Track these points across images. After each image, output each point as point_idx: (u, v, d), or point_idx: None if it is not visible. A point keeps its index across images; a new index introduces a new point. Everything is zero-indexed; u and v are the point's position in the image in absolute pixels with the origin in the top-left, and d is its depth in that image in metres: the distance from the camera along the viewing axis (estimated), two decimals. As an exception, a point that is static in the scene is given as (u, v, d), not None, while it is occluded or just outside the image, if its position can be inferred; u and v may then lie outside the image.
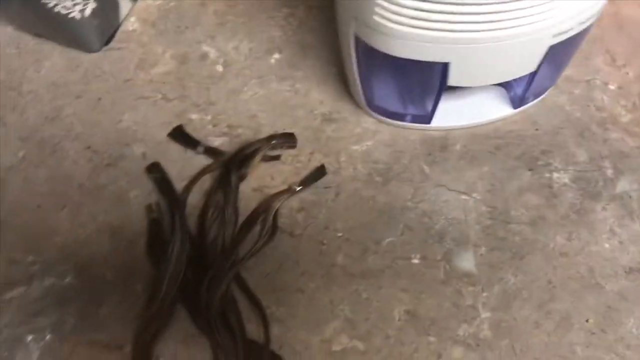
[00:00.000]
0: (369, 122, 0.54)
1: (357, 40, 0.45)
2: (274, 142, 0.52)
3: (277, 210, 0.49)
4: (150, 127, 0.55)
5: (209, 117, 0.55)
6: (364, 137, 0.53)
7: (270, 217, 0.49)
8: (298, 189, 0.50)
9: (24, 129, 0.56)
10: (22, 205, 0.51)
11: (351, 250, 0.48)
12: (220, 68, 0.58)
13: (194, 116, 0.55)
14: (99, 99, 0.57)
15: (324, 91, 0.56)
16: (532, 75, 0.48)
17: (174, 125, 0.54)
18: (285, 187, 0.51)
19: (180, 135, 0.54)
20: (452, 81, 0.45)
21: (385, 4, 0.38)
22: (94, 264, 0.48)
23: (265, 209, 0.49)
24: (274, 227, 0.49)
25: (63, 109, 0.56)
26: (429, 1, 0.37)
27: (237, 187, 0.50)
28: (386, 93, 0.51)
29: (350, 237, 0.48)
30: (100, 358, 0.45)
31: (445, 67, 0.44)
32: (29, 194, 0.52)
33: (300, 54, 0.58)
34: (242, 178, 0.51)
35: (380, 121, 0.53)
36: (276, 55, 0.58)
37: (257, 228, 0.49)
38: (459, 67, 0.43)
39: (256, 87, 0.56)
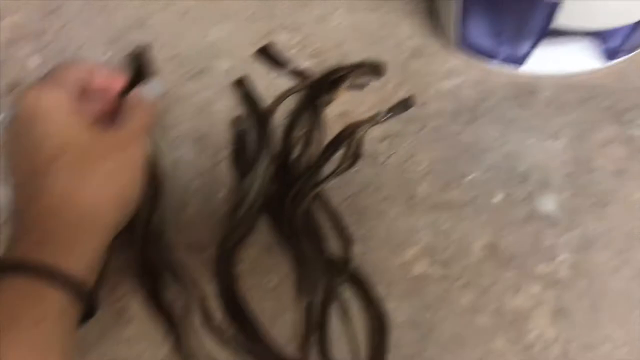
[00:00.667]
0: (457, 60, 0.53)
1: (469, -32, 0.45)
2: (362, 68, 0.51)
3: (361, 136, 0.50)
4: (237, 43, 0.55)
5: (295, 40, 0.55)
6: (451, 75, 0.53)
7: (355, 142, 0.49)
8: (384, 117, 0.50)
9: (110, 32, 0.56)
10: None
11: (433, 182, 0.48)
12: (310, -8, 0.57)
13: (281, 37, 0.55)
14: (186, 11, 0.57)
15: (414, 25, 0.55)
16: (634, 26, 0.47)
17: (261, 44, 0.54)
18: (370, 115, 0.51)
19: (268, 53, 0.53)
20: (561, 19, 0.45)
21: None
22: (177, 168, 0.49)
23: (349, 134, 0.50)
24: (358, 152, 0.49)
25: (151, 16, 0.56)
26: None
27: (323, 110, 0.50)
28: (482, 30, 0.51)
29: (433, 169, 0.49)
30: (182, 258, 0.45)
31: (555, 4, 0.43)
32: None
33: (391, -14, 0.58)
34: (328, 102, 0.51)
35: (469, 60, 0.53)
36: (367, -15, 0.58)
37: (340, 152, 0.49)
38: (570, 7, 0.43)
39: (345, 14, 0.56)
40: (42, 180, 0.34)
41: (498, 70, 0.53)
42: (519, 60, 0.51)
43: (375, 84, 0.52)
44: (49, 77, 0.38)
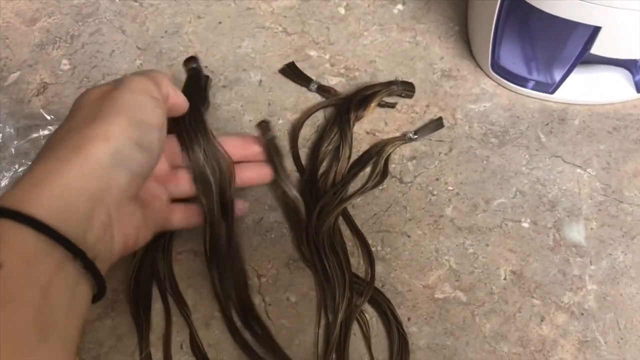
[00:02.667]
0: (488, 84, 0.53)
1: (506, -7, 0.45)
2: (393, 87, 0.51)
3: (389, 154, 0.49)
4: (268, 56, 0.55)
5: (327, 56, 0.55)
6: (482, 98, 0.52)
7: (382, 161, 0.49)
8: (413, 137, 0.50)
9: (143, 39, 0.56)
10: (136, 112, 0.52)
11: (461, 205, 0.48)
12: (342, 10, 0.58)
13: (312, 53, 0.55)
14: (220, 22, 0.57)
15: (445, 47, 0.55)
16: (668, 59, 0.47)
17: (292, 58, 0.54)
18: (399, 134, 0.50)
19: (292, 71, 0.54)
20: (596, 49, 0.44)
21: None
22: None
23: (377, 152, 0.49)
24: (385, 171, 0.49)
25: (183, 26, 0.57)
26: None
27: (352, 127, 0.50)
28: (514, 55, 0.51)
29: (461, 192, 0.48)
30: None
31: (594, 32, 0.43)
32: (144, 102, 0.52)
33: (424, 8, 0.58)
34: (358, 119, 0.51)
35: (500, 84, 0.53)
36: (400, 6, 0.58)
37: (368, 169, 0.49)
38: (609, 34, 0.43)
39: (377, 33, 0.56)
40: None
41: (529, 95, 0.52)
42: (551, 87, 0.51)
43: (405, 102, 0.52)
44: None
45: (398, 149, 0.50)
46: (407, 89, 0.52)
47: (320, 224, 0.45)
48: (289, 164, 0.48)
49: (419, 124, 0.51)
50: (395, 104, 0.52)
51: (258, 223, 0.47)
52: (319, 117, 0.52)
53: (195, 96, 0.46)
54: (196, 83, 0.49)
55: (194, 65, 0.50)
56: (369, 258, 0.45)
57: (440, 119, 0.51)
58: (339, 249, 0.45)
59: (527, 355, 0.42)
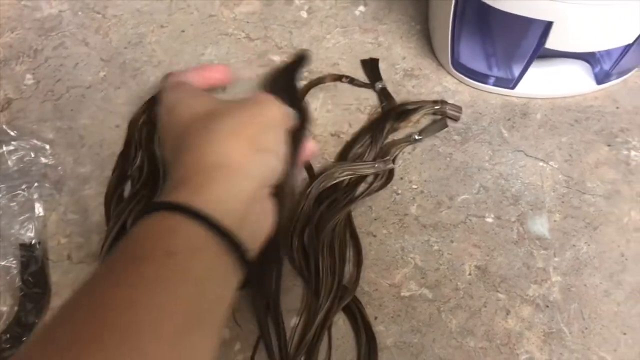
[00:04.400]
0: (449, 81, 0.54)
1: (461, -8, 0.45)
2: (439, 106, 0.51)
3: (395, 156, 0.50)
4: (232, 62, 0.55)
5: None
6: (444, 96, 0.53)
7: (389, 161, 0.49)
8: (418, 138, 0.50)
9: (106, 51, 0.56)
10: (100, 123, 0.52)
11: (425, 203, 0.48)
12: (304, 14, 0.58)
13: (275, 58, 0.55)
14: (183, 30, 0.57)
15: (407, 47, 0.56)
16: (624, 50, 0.48)
17: (256, 64, 0.55)
18: (366, 136, 0.51)
19: (371, 66, 0.54)
20: (550, 43, 0.45)
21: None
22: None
23: (383, 154, 0.49)
24: (391, 172, 0.49)
25: (146, 36, 0.57)
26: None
27: (385, 137, 0.50)
28: (474, 52, 0.51)
29: (425, 190, 0.49)
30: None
31: (547, 27, 0.44)
32: (108, 113, 0.52)
33: (386, 9, 0.58)
34: (393, 130, 0.51)
35: (461, 82, 0.54)
36: (361, 8, 0.58)
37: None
38: (561, 29, 0.43)
39: (339, 36, 0.57)
40: (182, 141, 0.37)
41: (490, 91, 0.53)
42: (511, 82, 0.51)
43: (368, 104, 0.53)
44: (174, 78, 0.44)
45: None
46: (454, 109, 0.51)
47: (325, 221, 0.45)
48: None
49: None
50: (445, 124, 0.51)
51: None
52: (363, 118, 0.52)
53: None
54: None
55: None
56: (358, 262, 0.45)
57: (444, 119, 0.51)
58: (337, 251, 0.45)
59: (494, 349, 0.42)
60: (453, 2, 0.46)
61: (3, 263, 0.44)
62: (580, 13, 0.42)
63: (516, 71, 0.50)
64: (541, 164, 0.49)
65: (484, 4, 0.44)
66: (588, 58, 0.52)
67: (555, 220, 0.47)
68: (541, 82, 0.52)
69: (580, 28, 0.43)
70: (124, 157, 0.50)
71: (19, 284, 0.44)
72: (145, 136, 0.50)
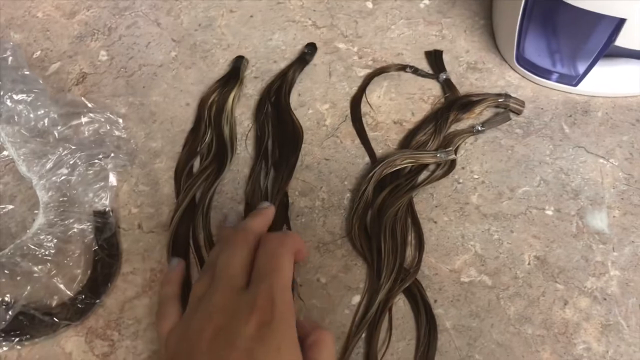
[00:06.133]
0: (512, 76, 0.55)
1: (533, -13, 0.46)
2: (502, 99, 0.52)
3: (458, 146, 0.51)
4: (298, 49, 0.57)
5: (355, 49, 0.57)
6: (506, 90, 0.54)
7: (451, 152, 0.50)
8: (481, 129, 0.51)
9: (177, 32, 0.58)
10: (171, 101, 0.54)
11: (486, 193, 0.49)
12: (370, 5, 0.59)
13: (340, 45, 0.57)
14: (251, 15, 0.59)
15: (470, 41, 0.57)
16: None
17: (322, 50, 0.56)
18: (430, 125, 0.52)
19: (435, 58, 0.56)
20: (621, 41, 0.46)
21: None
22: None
23: (446, 144, 0.51)
24: (453, 162, 0.50)
25: (216, 19, 0.59)
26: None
27: (449, 126, 0.52)
28: (539, 48, 0.52)
29: (486, 180, 0.49)
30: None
31: (619, 24, 0.44)
32: (179, 92, 0.54)
33: (450, 3, 0.59)
34: (457, 120, 0.52)
35: (524, 77, 0.54)
36: (426, 1, 0.60)
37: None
38: (633, 26, 0.44)
39: (404, 27, 0.58)
40: None
41: (553, 87, 0.54)
42: (574, 79, 0.52)
43: (431, 94, 0.54)
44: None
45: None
46: (517, 103, 0.52)
47: (388, 206, 0.47)
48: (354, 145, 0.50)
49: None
50: (509, 117, 0.52)
51: (289, 208, 0.48)
52: (426, 108, 0.53)
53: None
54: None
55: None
56: (420, 246, 0.46)
57: (507, 112, 0.52)
58: (398, 234, 0.46)
59: (551, 338, 0.43)
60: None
61: (81, 226, 0.46)
62: (656, 12, 0.42)
63: (580, 68, 0.51)
64: (601, 160, 0.50)
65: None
66: (652, 59, 0.53)
67: (614, 216, 0.48)
68: (603, 80, 0.52)
69: (651, 27, 0.44)
70: (194, 134, 0.52)
71: (95, 247, 0.45)
72: (214, 115, 0.52)
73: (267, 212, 0.42)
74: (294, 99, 0.54)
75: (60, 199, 0.47)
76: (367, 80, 0.54)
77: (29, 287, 0.43)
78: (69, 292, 0.44)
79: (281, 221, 0.47)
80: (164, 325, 0.37)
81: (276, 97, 0.52)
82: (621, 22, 0.44)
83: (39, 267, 0.44)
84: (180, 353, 0.33)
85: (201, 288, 0.35)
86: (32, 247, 0.44)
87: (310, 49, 0.55)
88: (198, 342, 0.32)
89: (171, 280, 0.42)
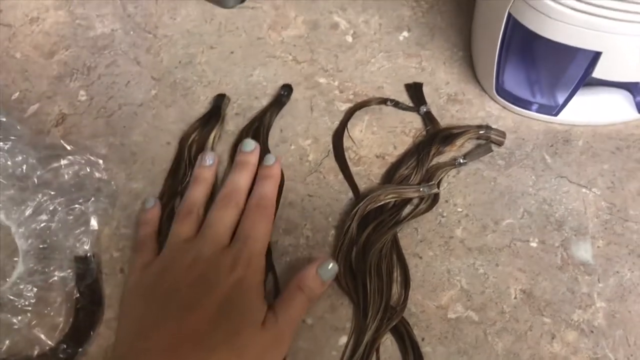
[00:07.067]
0: (493, 107, 0.55)
1: (510, 20, 0.46)
2: (483, 131, 0.52)
3: (441, 179, 0.51)
4: (279, 84, 0.57)
5: (336, 83, 0.57)
6: (487, 121, 0.54)
7: (434, 185, 0.50)
8: (463, 161, 0.51)
9: (157, 70, 0.58)
10: (152, 140, 0.53)
11: (470, 226, 0.49)
12: (349, 38, 0.60)
13: (321, 80, 0.57)
14: (232, 52, 0.59)
15: (450, 72, 0.57)
16: (668, 81, 0.49)
17: (303, 86, 0.56)
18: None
19: (416, 89, 0.56)
20: (598, 73, 0.46)
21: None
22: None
23: (429, 177, 0.50)
24: (437, 195, 0.50)
25: (196, 56, 0.59)
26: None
27: (431, 160, 0.52)
28: (518, 79, 0.52)
29: (470, 213, 0.49)
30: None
31: (595, 57, 0.45)
32: (160, 131, 0.54)
33: (429, 35, 0.60)
34: (439, 153, 0.52)
35: (505, 107, 0.55)
36: (405, 34, 0.60)
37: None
38: (610, 59, 0.44)
39: (383, 60, 0.58)
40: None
41: (533, 117, 0.54)
42: (554, 109, 0.52)
43: (412, 127, 0.54)
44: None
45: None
46: (498, 134, 0.52)
47: (372, 242, 0.46)
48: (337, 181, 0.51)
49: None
50: (490, 148, 0.52)
51: (273, 247, 0.48)
52: (408, 141, 0.53)
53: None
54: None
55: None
56: (405, 283, 0.46)
57: (488, 143, 0.52)
58: (384, 272, 0.46)
59: (540, 373, 0.43)
60: (501, 31, 0.48)
61: (62, 274, 0.45)
62: (630, 44, 0.43)
63: (560, 98, 0.51)
64: (584, 190, 0.50)
65: (532, 32, 0.45)
66: (630, 87, 0.53)
67: (598, 247, 0.48)
68: (583, 109, 0.53)
69: (629, 59, 0.44)
70: (173, 175, 0.51)
71: (76, 295, 0.45)
72: (194, 154, 0.52)
73: (272, 171, 0.49)
74: (275, 135, 0.54)
75: (40, 246, 0.46)
76: (349, 114, 0.54)
77: (7, 341, 0.42)
78: (49, 342, 0.43)
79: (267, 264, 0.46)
80: (142, 258, 0.44)
81: (254, 139, 0.51)
82: (597, 55, 0.44)
83: (19, 317, 0.43)
84: (162, 283, 0.40)
85: (184, 230, 0.44)
86: (11, 297, 0.43)
87: (286, 91, 0.55)
88: (182, 279, 0.40)
89: (149, 220, 0.47)
